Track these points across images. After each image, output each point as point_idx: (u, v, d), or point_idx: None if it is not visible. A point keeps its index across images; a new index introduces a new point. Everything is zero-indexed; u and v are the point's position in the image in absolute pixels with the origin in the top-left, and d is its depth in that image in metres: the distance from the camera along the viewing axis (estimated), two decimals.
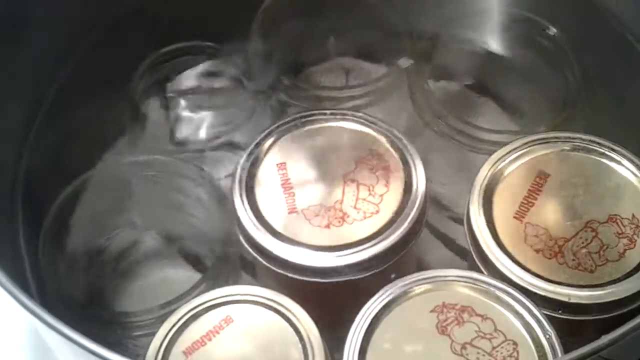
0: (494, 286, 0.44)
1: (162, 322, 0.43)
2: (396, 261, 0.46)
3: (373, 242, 0.45)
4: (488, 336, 0.42)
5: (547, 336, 0.42)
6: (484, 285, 0.44)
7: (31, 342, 0.52)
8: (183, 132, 0.57)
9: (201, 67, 0.59)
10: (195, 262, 0.53)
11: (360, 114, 0.50)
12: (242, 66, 0.58)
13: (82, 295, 0.51)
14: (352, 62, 0.60)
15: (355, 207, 0.47)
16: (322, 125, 0.50)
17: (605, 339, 0.35)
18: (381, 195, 0.47)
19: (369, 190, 0.47)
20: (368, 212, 0.46)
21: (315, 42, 0.61)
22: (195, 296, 0.45)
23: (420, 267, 0.51)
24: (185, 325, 0.43)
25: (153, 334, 0.43)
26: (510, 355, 0.42)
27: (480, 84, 0.59)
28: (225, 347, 0.43)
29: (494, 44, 0.59)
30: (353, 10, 0.60)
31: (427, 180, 0.48)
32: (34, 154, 0.53)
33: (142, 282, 0.53)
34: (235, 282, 0.51)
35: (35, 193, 0.52)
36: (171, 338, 0.43)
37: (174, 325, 0.43)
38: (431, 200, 0.49)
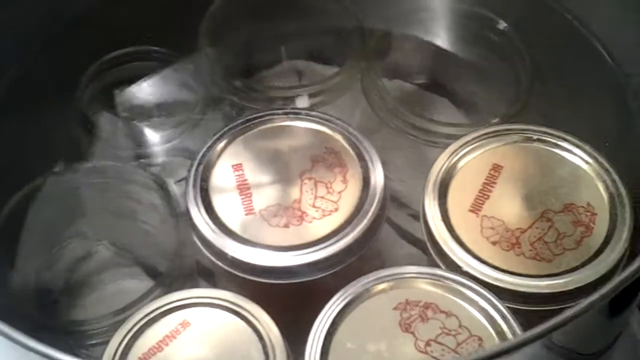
0: (458, 282, 0.43)
1: (116, 329, 0.42)
2: (358, 259, 0.45)
3: (333, 239, 0.45)
4: (453, 332, 0.42)
5: (512, 331, 0.41)
6: (447, 282, 0.43)
7: None
8: (133, 138, 0.56)
9: (150, 73, 0.58)
10: (151, 270, 0.52)
11: (314, 113, 0.50)
12: (191, 70, 0.57)
13: (33, 309, 0.49)
14: (304, 64, 0.60)
15: (313, 206, 0.46)
16: (276, 124, 0.49)
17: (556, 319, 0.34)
18: (339, 193, 0.47)
19: (327, 187, 0.47)
20: (327, 210, 0.46)
21: (266, 45, 0.60)
22: (150, 302, 0.44)
23: (383, 265, 0.50)
24: (141, 331, 0.42)
25: (107, 342, 0.42)
26: (475, 351, 0.41)
27: (433, 81, 0.59)
28: (183, 351, 0.42)
29: (445, 40, 0.59)
30: (303, 12, 0.59)
31: (386, 177, 0.47)
32: None
33: (97, 294, 0.51)
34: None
35: None
36: (126, 345, 0.42)
37: (128, 332, 0.42)
38: (390, 198, 0.49)
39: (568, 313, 0.34)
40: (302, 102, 0.50)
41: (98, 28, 0.57)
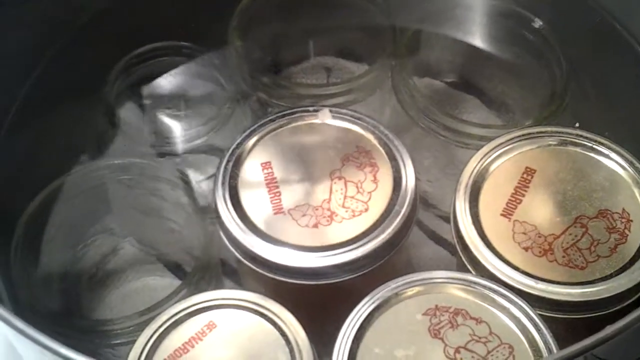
0: (488, 288, 0.43)
1: (142, 329, 0.42)
2: (386, 260, 0.45)
3: (363, 241, 0.44)
4: (483, 340, 0.41)
5: (544, 340, 0.41)
6: (478, 288, 0.43)
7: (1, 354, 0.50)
8: (160, 135, 0.55)
9: (178, 68, 0.57)
10: (175, 268, 0.52)
11: (345, 111, 0.49)
12: (220, 66, 0.56)
13: (58, 306, 0.49)
14: (333, 60, 0.59)
15: (343, 206, 0.46)
16: (306, 122, 0.49)
17: (603, 333, 0.34)
18: (370, 193, 0.46)
19: (357, 187, 0.46)
20: (357, 210, 0.45)
21: (295, 41, 0.60)
22: (176, 302, 0.44)
23: (411, 265, 0.50)
24: (167, 332, 0.42)
25: (133, 343, 0.42)
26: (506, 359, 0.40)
27: (465, 80, 0.58)
28: (209, 354, 0.41)
29: (478, 38, 0.58)
30: (333, 8, 0.59)
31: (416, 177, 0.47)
32: (4, 160, 0.52)
33: (122, 291, 0.51)
34: (218, 288, 0.49)
35: (6, 200, 0.50)
36: (152, 346, 0.41)
37: (154, 333, 0.42)
38: (419, 198, 0.48)
39: (612, 329, 0.33)
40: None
41: (127, 23, 0.57)
